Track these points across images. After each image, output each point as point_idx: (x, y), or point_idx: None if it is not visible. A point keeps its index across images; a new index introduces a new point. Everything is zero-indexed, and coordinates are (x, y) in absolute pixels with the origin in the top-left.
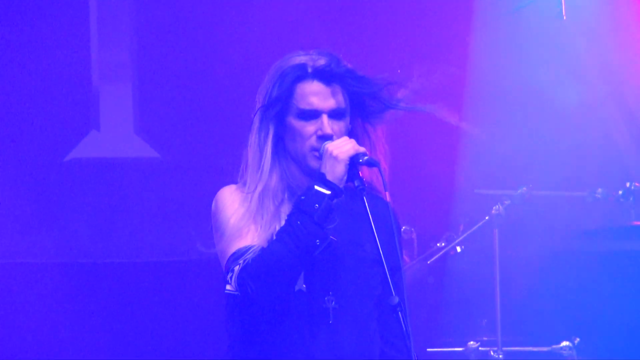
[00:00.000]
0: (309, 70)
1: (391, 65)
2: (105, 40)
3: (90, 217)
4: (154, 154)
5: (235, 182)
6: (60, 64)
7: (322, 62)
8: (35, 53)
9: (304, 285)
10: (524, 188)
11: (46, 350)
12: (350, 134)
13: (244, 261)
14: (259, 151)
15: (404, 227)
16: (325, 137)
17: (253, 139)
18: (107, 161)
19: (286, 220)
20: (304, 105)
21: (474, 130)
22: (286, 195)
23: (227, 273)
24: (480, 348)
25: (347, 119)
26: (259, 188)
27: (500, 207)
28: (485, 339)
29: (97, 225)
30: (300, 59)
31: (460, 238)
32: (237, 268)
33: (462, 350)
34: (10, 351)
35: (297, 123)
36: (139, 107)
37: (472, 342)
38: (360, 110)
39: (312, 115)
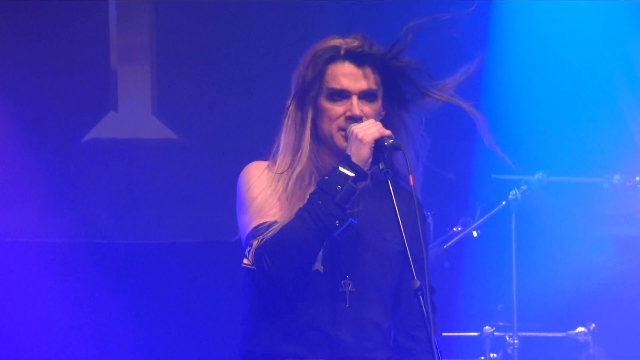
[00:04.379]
0: (342, 51)
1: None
2: (124, 22)
3: (108, 198)
4: (171, 135)
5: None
6: (79, 45)
7: (355, 44)
8: (54, 34)
9: (322, 267)
10: (541, 173)
11: (62, 329)
12: (385, 121)
13: (263, 237)
14: (296, 134)
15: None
16: (354, 119)
17: (290, 121)
18: (125, 142)
19: (308, 199)
20: (334, 85)
21: (488, 137)
22: (314, 178)
23: (246, 247)
24: (495, 333)
25: (379, 102)
26: (297, 171)
27: (517, 192)
28: (500, 324)
29: (114, 205)
30: (334, 41)
31: (477, 223)
32: (255, 243)
33: (478, 335)
34: (27, 330)
35: (327, 104)
36: (157, 89)
37: (487, 327)
38: (395, 96)
39: (342, 95)
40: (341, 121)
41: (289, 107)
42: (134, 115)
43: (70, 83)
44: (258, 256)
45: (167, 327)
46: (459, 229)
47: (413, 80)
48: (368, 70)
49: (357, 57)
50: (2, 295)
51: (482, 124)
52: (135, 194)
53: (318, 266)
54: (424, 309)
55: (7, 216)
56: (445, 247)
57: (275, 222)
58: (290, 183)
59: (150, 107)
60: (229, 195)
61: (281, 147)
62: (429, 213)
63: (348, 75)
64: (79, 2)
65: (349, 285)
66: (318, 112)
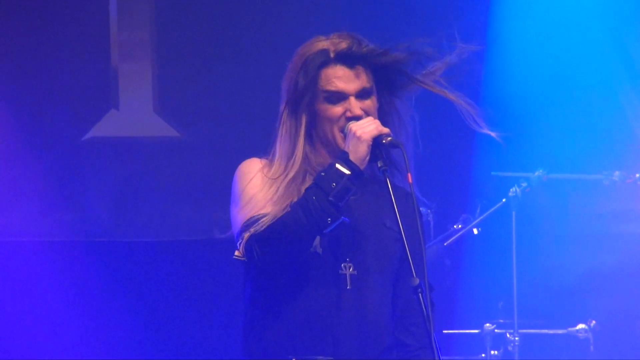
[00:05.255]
0: (332, 55)
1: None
2: (125, 19)
3: (109, 196)
4: (173, 133)
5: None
6: (79, 43)
7: (343, 45)
8: (55, 32)
9: (320, 249)
10: (541, 170)
11: (63, 327)
12: (378, 110)
13: (255, 229)
14: (291, 141)
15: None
16: (355, 119)
17: (284, 129)
18: (126, 140)
19: (303, 194)
20: (329, 87)
21: (485, 130)
22: (307, 176)
23: (237, 240)
24: (496, 330)
25: (374, 96)
26: (290, 176)
27: (517, 189)
28: (501, 321)
29: (115, 204)
30: (322, 44)
31: (477, 220)
32: (246, 235)
33: (478, 332)
34: (28, 328)
35: (324, 107)
36: (158, 86)
37: (488, 324)
38: (386, 84)
39: (339, 97)
40: (342, 122)
41: (282, 114)
42: (135, 114)
43: (71, 81)
44: (248, 247)
45: (169, 325)
46: (460, 226)
47: (404, 71)
48: (360, 69)
49: (347, 59)
50: (3, 295)
51: (470, 116)
52: (136, 192)
53: (317, 249)
54: (423, 307)
55: (8, 215)
56: (445, 244)
57: (267, 215)
58: (281, 188)
59: (152, 105)
60: (230, 193)
61: (277, 155)
62: (428, 210)
63: (342, 78)
64: (79, 0)
65: (349, 268)
66: (316, 117)
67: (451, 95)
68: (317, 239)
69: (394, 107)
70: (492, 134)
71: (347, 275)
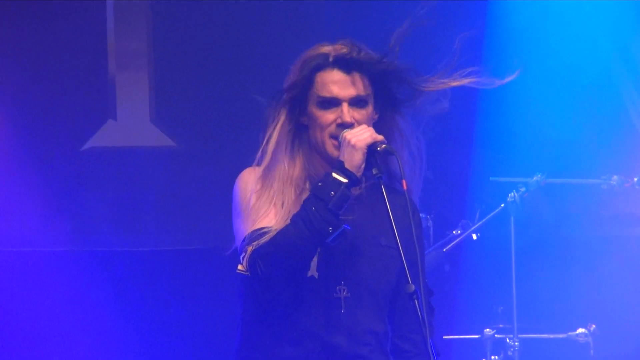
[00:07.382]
0: (330, 59)
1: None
2: (122, 29)
3: (107, 206)
4: (170, 143)
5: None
6: (77, 53)
7: (344, 50)
8: (52, 42)
9: (316, 273)
10: (539, 175)
11: (64, 337)
12: (379, 125)
13: (257, 243)
14: (287, 137)
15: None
16: (345, 125)
17: (279, 125)
18: (123, 150)
19: (302, 206)
20: (324, 93)
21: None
22: (307, 185)
23: (241, 253)
24: (496, 335)
25: (370, 107)
26: (279, 175)
27: (516, 194)
28: (501, 326)
29: (113, 214)
30: (324, 48)
31: (476, 225)
32: (250, 249)
33: (478, 338)
34: (28, 338)
35: (317, 112)
36: (155, 96)
37: (488, 330)
38: (388, 99)
39: (332, 103)
40: (332, 128)
41: (278, 111)
42: (132, 124)
43: (69, 92)
44: (252, 262)
45: (166, 334)
46: (459, 231)
47: (404, 80)
48: (357, 77)
49: (345, 64)
50: (4, 304)
51: (482, 82)
52: (134, 201)
53: (313, 272)
54: (419, 312)
55: (7, 225)
56: (445, 250)
57: (270, 228)
58: (276, 188)
59: (149, 115)
60: (227, 202)
61: (269, 155)
62: (428, 216)
63: (337, 83)
64: (76, 10)
65: (344, 291)
66: (309, 120)
67: (456, 82)
68: (314, 262)
69: (396, 126)
70: (510, 78)
71: (342, 298)
